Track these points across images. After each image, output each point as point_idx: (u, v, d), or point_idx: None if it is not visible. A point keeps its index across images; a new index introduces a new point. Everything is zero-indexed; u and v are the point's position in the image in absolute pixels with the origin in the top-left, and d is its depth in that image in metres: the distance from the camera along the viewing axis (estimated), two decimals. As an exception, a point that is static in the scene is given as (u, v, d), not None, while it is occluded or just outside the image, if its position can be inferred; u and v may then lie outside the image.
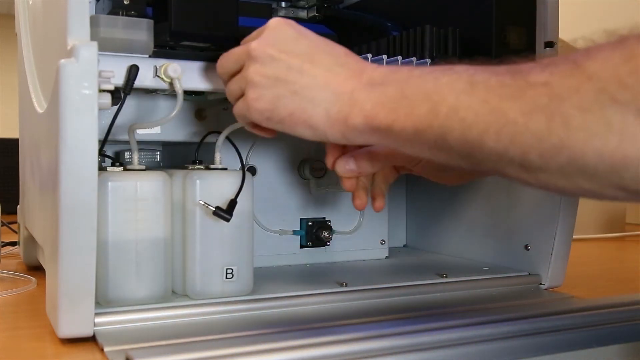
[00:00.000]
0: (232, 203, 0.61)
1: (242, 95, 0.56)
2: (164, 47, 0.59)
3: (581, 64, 0.39)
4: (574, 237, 0.76)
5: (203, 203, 0.61)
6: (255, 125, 0.58)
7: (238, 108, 0.57)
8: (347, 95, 0.51)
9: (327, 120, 0.52)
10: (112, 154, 0.80)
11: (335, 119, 0.51)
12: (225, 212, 0.61)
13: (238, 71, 0.56)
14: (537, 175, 0.43)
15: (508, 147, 0.42)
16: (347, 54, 0.54)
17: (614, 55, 0.38)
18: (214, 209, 0.61)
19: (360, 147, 0.63)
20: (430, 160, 0.62)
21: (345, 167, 0.62)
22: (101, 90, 0.52)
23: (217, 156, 0.65)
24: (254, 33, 0.56)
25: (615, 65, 0.38)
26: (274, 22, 0.55)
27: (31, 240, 0.82)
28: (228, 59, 0.57)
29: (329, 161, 0.63)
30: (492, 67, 0.45)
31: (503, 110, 0.42)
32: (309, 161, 0.83)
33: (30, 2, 0.80)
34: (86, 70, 0.50)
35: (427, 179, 0.67)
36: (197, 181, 0.61)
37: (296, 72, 0.53)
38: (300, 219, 0.84)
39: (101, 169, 0.58)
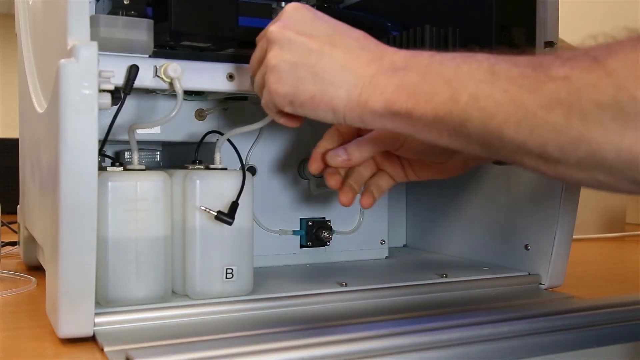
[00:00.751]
0: (234, 205, 0.61)
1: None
2: (164, 47, 0.59)
3: (601, 60, 0.39)
4: (574, 237, 0.76)
5: (204, 209, 0.61)
6: (282, 115, 0.57)
7: (264, 99, 0.56)
8: (368, 78, 0.50)
9: (347, 102, 0.51)
10: (112, 154, 0.80)
11: (357, 102, 0.51)
12: (227, 216, 0.61)
13: (262, 60, 0.56)
14: (555, 167, 0.43)
15: (527, 138, 0.42)
16: (366, 37, 0.54)
17: (634, 52, 0.38)
18: (216, 214, 0.60)
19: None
20: (413, 145, 0.63)
21: (336, 158, 0.63)
22: (101, 90, 0.52)
23: (217, 156, 0.65)
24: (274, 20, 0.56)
25: (635, 63, 0.38)
26: (291, 5, 0.55)
27: (31, 240, 0.82)
28: (254, 55, 0.57)
29: (313, 164, 0.65)
30: (513, 58, 0.45)
31: (523, 101, 0.42)
32: (309, 161, 0.83)
33: (30, 2, 0.80)
34: (86, 70, 0.50)
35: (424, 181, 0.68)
36: (197, 181, 0.61)
37: (316, 54, 0.52)
38: (300, 219, 0.84)
39: (101, 169, 0.58)
